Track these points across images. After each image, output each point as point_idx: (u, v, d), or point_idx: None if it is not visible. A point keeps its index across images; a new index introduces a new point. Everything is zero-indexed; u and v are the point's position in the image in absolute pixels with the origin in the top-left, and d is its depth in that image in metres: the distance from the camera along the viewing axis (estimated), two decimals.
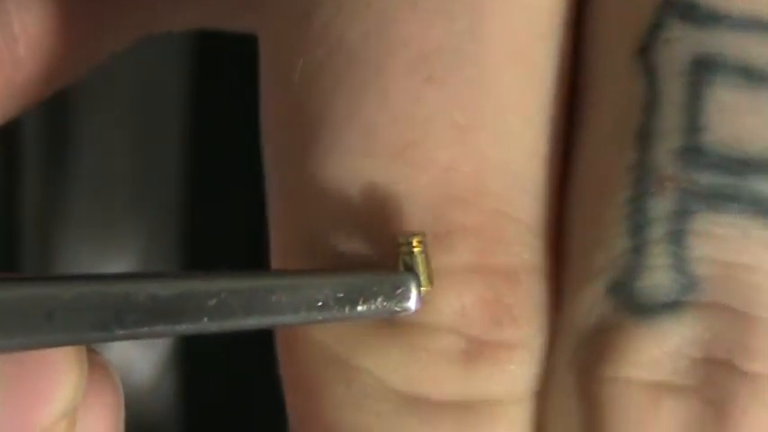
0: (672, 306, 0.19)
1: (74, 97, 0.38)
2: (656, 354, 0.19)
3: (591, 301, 0.20)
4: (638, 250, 0.19)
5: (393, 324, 0.20)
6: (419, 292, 0.19)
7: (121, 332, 0.18)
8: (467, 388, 0.20)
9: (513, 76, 0.20)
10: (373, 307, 0.18)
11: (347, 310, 0.18)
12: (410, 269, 0.19)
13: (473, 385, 0.20)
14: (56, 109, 0.38)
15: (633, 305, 0.19)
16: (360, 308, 0.18)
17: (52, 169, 0.38)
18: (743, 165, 0.19)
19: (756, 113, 0.19)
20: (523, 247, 0.20)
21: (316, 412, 0.20)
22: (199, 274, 0.18)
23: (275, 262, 0.21)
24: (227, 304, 0.18)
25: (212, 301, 0.18)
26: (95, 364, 0.20)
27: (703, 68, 0.19)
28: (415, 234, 0.19)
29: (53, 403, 0.19)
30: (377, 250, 0.20)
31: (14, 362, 0.19)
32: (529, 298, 0.20)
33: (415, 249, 0.19)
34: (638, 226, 0.19)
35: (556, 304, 0.20)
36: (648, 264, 0.19)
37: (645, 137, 0.19)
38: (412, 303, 0.18)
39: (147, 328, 0.18)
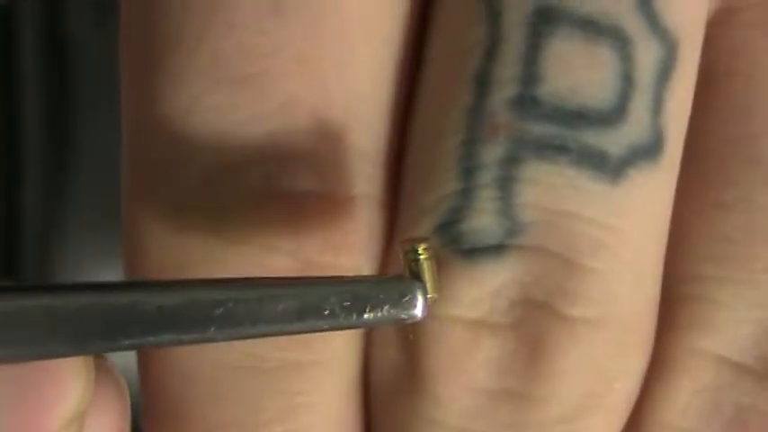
0: (495, 249, 0.20)
1: (74, 99, 0.38)
2: (476, 294, 0.20)
3: None
4: (466, 193, 0.20)
5: (232, 242, 0.20)
6: (426, 299, 0.19)
7: (128, 342, 0.18)
8: None
9: (361, 9, 0.20)
10: (380, 314, 0.18)
11: (354, 317, 0.18)
12: (416, 276, 0.19)
13: None
14: (56, 111, 0.38)
15: (457, 246, 0.20)
16: (366, 315, 0.18)
17: (53, 172, 0.38)
18: (575, 117, 0.19)
19: (592, 67, 0.19)
20: (363, 177, 0.20)
21: None
22: (205, 283, 0.18)
23: (122, 205, 0.21)
24: (234, 313, 0.18)
25: (219, 311, 0.18)
26: (102, 370, 0.20)
27: (545, 19, 0.19)
28: (420, 241, 0.19)
29: (61, 408, 0.19)
30: (217, 176, 0.20)
31: (22, 367, 0.19)
32: (364, 227, 0.20)
33: (422, 257, 0.19)
34: (467, 169, 0.20)
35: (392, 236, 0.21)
36: (475, 207, 0.20)
37: (482, 82, 0.20)
38: (418, 310, 0.18)
39: (153, 338, 0.18)
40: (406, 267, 0.19)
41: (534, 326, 0.20)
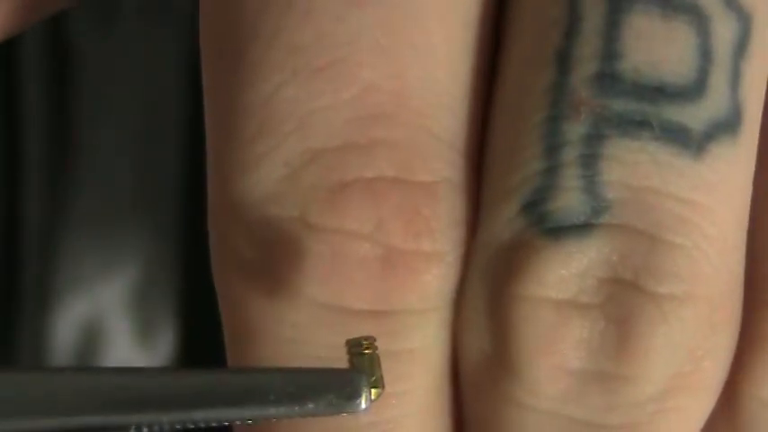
0: (581, 228, 0.20)
1: (77, 110, 0.38)
2: (564, 273, 0.20)
3: (505, 219, 0.20)
4: (550, 172, 0.20)
5: (312, 229, 0.20)
6: (369, 391, 0.19)
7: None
8: (384, 296, 0.20)
9: None
10: (323, 403, 0.19)
11: (297, 406, 0.19)
12: (360, 370, 0.19)
13: (390, 294, 0.20)
14: (58, 123, 0.38)
15: (544, 225, 0.20)
16: (310, 404, 0.19)
17: (54, 180, 0.38)
18: (656, 92, 0.20)
19: (670, 42, 0.20)
20: (444, 163, 0.20)
21: (240, 326, 0.21)
22: (150, 372, 0.19)
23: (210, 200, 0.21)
24: (180, 398, 0.18)
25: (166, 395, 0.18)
26: None
27: None
28: (364, 338, 0.19)
29: None
30: (299, 166, 0.20)
31: None
32: (447, 212, 0.20)
33: (366, 351, 0.19)
34: (551, 148, 0.20)
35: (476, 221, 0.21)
36: (560, 185, 0.20)
37: (563, 60, 0.20)
38: (362, 402, 0.19)
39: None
40: (350, 361, 0.19)
41: (622, 304, 0.20)
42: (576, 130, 0.20)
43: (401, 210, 0.20)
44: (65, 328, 0.37)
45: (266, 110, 0.20)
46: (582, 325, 0.20)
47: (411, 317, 0.21)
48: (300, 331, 0.21)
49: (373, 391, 0.19)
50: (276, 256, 0.20)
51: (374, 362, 0.19)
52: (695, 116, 0.20)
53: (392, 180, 0.20)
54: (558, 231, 0.20)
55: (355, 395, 0.19)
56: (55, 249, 0.39)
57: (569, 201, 0.20)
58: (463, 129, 0.21)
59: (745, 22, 0.20)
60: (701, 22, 0.20)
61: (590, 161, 0.20)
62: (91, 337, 0.37)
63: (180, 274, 0.39)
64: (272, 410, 0.19)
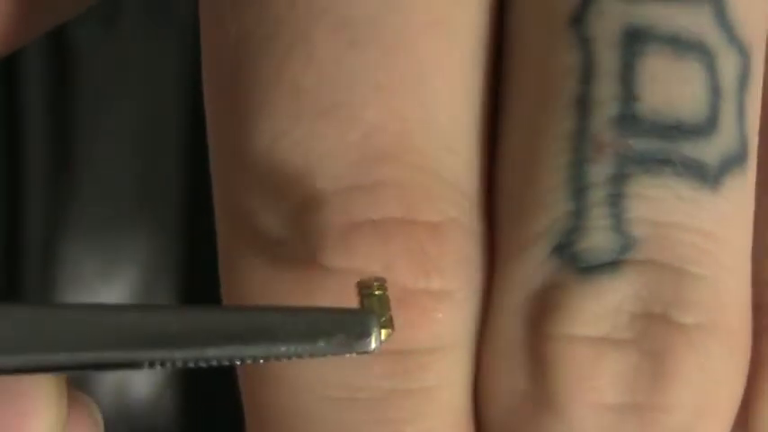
0: (611, 265, 0.20)
1: (75, 104, 0.39)
2: (598, 311, 0.20)
3: (537, 262, 0.21)
4: (578, 213, 0.20)
5: (324, 270, 0.20)
6: (379, 331, 0.19)
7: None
8: (396, 335, 0.20)
9: (433, 41, 0.21)
10: (334, 342, 0.19)
11: (308, 345, 0.19)
12: (371, 310, 0.20)
13: (402, 333, 0.20)
14: (60, 124, 0.38)
15: (575, 265, 0.20)
16: (321, 343, 0.19)
17: (54, 184, 0.38)
18: (674, 130, 0.20)
19: (683, 81, 0.20)
20: (448, 203, 0.21)
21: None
22: (164, 308, 0.19)
23: (219, 239, 0.22)
24: (192, 335, 0.19)
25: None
26: (77, 402, 0.21)
27: (635, 39, 0.20)
28: (375, 278, 0.20)
29: (35, 428, 0.20)
30: (305, 209, 0.20)
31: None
32: (455, 251, 0.21)
33: (377, 292, 0.20)
34: (578, 190, 0.20)
35: (486, 261, 0.21)
36: (589, 225, 0.20)
37: (582, 105, 0.20)
38: (372, 342, 0.19)
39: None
40: (361, 302, 0.20)
41: (654, 337, 0.20)
42: (601, 171, 0.20)
43: (409, 250, 0.20)
44: None
45: (272, 154, 0.20)
46: (617, 359, 0.20)
47: (424, 356, 0.21)
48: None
49: (383, 331, 0.19)
50: (289, 299, 0.21)
51: (384, 303, 0.20)
52: (710, 151, 0.21)
53: (399, 221, 0.20)
54: (590, 270, 0.20)
55: (365, 335, 0.19)
56: (55, 251, 0.39)
57: (599, 240, 0.20)
58: (467, 170, 0.21)
59: (745, 57, 0.21)
60: (708, 60, 0.21)
61: (616, 200, 0.20)
62: None
63: (180, 277, 0.39)
64: (283, 349, 0.19)
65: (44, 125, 0.38)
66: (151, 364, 0.18)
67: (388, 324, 0.20)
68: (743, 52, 0.21)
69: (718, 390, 0.21)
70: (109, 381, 0.40)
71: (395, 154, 0.20)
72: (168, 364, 0.18)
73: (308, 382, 0.21)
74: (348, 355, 0.19)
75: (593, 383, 0.20)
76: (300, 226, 0.20)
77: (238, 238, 0.21)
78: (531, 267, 0.21)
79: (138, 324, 0.18)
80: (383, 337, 0.19)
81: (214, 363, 0.19)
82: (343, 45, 0.20)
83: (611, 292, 0.20)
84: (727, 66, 0.21)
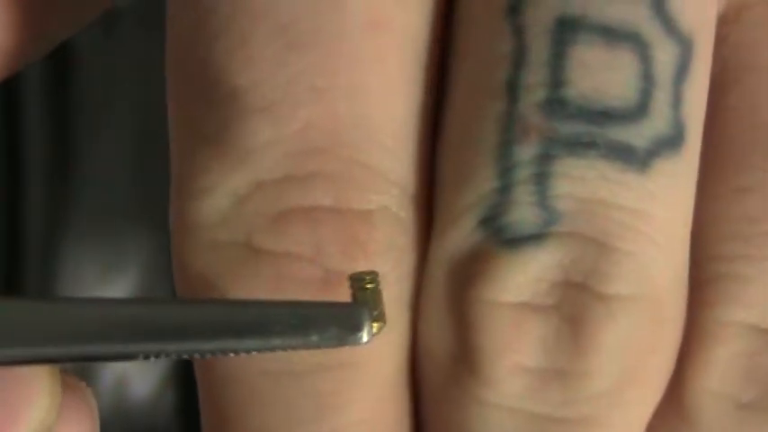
0: (535, 237, 0.21)
1: (76, 112, 0.39)
2: (520, 279, 0.21)
3: (464, 233, 0.21)
4: (505, 189, 0.21)
5: (257, 252, 0.21)
6: (371, 325, 0.20)
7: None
8: None
9: (371, 42, 0.21)
10: (326, 335, 0.19)
11: (301, 338, 0.19)
12: (363, 303, 0.20)
13: None
14: (57, 119, 0.39)
15: (500, 237, 0.21)
16: (314, 336, 0.19)
17: (55, 185, 0.39)
18: (601, 115, 0.21)
19: (613, 69, 0.21)
20: (378, 193, 0.22)
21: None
22: (158, 302, 0.19)
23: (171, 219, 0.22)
24: (187, 328, 0.19)
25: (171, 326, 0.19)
26: (71, 388, 0.21)
27: (567, 28, 0.21)
28: (367, 273, 0.20)
29: (23, 424, 0.20)
30: (245, 195, 0.21)
31: None
32: (384, 237, 0.22)
33: (369, 285, 0.20)
34: (505, 169, 0.21)
35: (414, 246, 0.22)
36: (514, 201, 0.21)
37: (513, 89, 0.21)
38: (364, 335, 0.20)
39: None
40: (353, 295, 0.20)
41: (574, 304, 0.21)
42: (527, 152, 0.21)
43: (337, 235, 0.21)
44: None
45: (215, 143, 0.21)
46: (538, 325, 0.21)
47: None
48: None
49: (375, 324, 0.20)
50: (225, 277, 0.21)
51: (376, 296, 0.20)
52: (639, 135, 0.21)
53: (329, 209, 0.21)
54: (514, 241, 0.21)
55: (358, 328, 0.19)
56: (56, 253, 0.39)
57: (523, 214, 0.21)
58: (398, 162, 0.22)
59: (685, 47, 0.22)
60: (642, 50, 0.21)
61: (541, 179, 0.21)
62: None
63: None
64: (276, 342, 0.19)
65: (44, 125, 0.39)
66: (146, 357, 0.19)
67: (380, 317, 0.20)
68: (683, 42, 0.21)
69: (645, 359, 0.21)
70: (108, 380, 0.40)
71: (327, 148, 0.21)
72: (163, 356, 0.19)
73: (256, 356, 0.21)
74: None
75: (513, 346, 0.21)
76: (239, 210, 0.21)
77: (185, 221, 0.22)
78: (459, 238, 0.22)
79: (133, 317, 0.19)
80: (375, 330, 0.20)
81: (208, 355, 0.19)
82: (281, 48, 0.21)
83: (534, 261, 0.21)
84: (663, 55, 0.21)
